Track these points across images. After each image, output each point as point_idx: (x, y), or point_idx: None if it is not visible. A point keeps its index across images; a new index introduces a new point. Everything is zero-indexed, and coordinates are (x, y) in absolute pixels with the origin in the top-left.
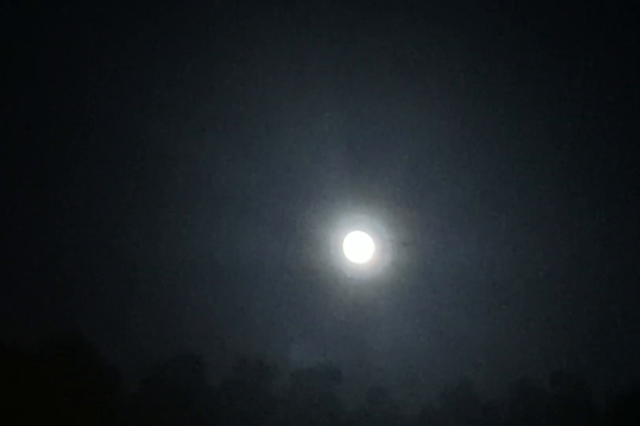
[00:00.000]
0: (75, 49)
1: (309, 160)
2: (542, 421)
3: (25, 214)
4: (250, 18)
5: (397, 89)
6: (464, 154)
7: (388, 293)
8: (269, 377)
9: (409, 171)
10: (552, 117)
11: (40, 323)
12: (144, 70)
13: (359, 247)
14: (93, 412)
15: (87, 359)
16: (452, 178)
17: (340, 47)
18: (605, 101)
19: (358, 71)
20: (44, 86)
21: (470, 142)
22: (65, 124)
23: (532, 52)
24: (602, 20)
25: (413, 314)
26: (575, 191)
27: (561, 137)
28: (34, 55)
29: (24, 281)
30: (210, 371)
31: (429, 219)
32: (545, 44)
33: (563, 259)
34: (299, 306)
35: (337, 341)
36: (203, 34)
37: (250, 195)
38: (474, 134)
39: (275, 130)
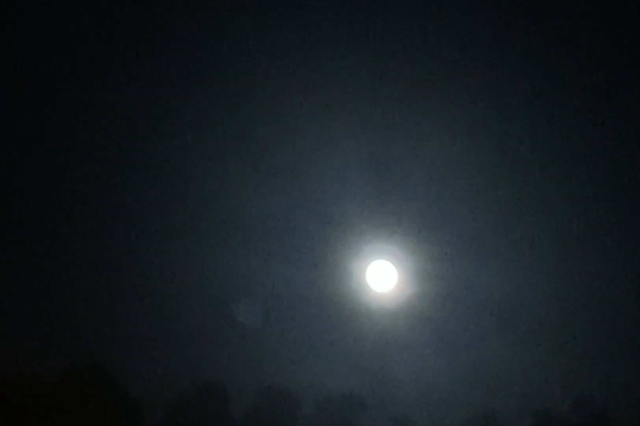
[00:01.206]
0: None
1: (332, 188)
2: None
3: (48, 246)
4: (275, 44)
5: (419, 118)
6: (488, 183)
7: (411, 322)
8: (293, 406)
9: (432, 200)
10: (580, 145)
11: (63, 354)
12: (166, 94)
13: (382, 276)
14: None
15: (109, 390)
16: (476, 207)
17: (364, 74)
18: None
19: (382, 102)
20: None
21: (494, 170)
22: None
23: (552, 68)
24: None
25: (436, 343)
26: (603, 218)
27: (588, 167)
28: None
29: (47, 313)
30: (233, 401)
31: (452, 248)
32: (564, 62)
33: (587, 288)
34: (322, 335)
35: (361, 370)
36: (229, 58)
37: (274, 224)
38: (497, 162)
39: (299, 158)
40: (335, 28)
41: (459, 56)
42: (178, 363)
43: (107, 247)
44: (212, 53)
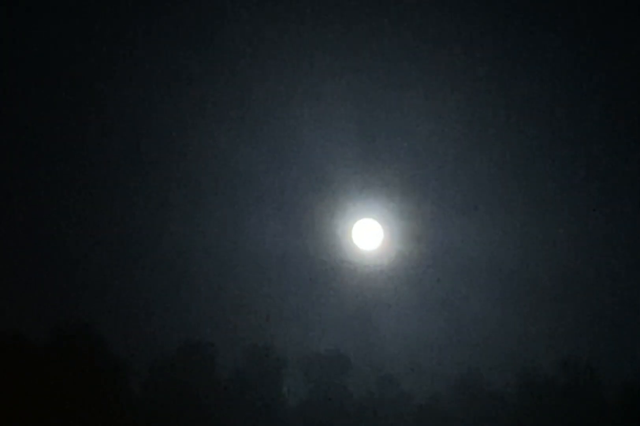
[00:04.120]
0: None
1: (320, 148)
2: (551, 409)
3: (38, 208)
4: (265, 17)
5: (410, 80)
6: (477, 146)
7: (397, 281)
8: (278, 366)
9: (421, 160)
10: (567, 112)
11: (51, 314)
12: (166, 69)
13: (368, 234)
14: (103, 401)
15: (96, 349)
16: (463, 169)
17: (355, 40)
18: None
19: (371, 63)
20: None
21: (484, 135)
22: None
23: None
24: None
25: (421, 302)
26: (583, 184)
27: (573, 134)
28: (42, 53)
29: (34, 274)
30: (219, 360)
31: (438, 208)
32: (562, 48)
33: (575, 247)
34: (307, 293)
35: (346, 329)
36: (223, 34)
37: (259, 183)
38: (488, 126)
39: (286, 119)
40: None
41: (461, 30)
42: (164, 324)
43: (97, 207)
44: (207, 16)
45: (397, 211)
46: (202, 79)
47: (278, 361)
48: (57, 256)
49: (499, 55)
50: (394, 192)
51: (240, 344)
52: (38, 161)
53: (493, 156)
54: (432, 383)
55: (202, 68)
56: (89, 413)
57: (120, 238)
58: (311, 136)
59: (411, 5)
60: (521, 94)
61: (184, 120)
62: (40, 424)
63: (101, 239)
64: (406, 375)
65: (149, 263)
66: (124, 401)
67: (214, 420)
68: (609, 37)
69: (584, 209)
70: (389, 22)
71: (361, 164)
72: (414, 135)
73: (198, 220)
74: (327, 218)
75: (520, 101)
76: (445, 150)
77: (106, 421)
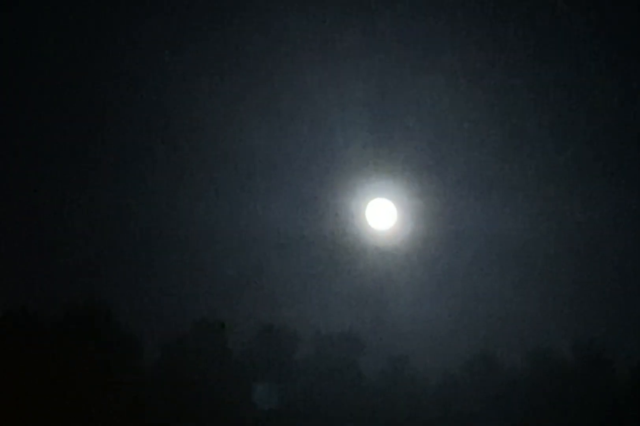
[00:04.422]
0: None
1: (332, 128)
2: (562, 390)
3: (49, 189)
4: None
5: (425, 61)
6: (493, 125)
7: (410, 260)
8: (291, 344)
9: (435, 140)
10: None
11: (63, 291)
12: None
13: (382, 214)
14: (113, 380)
15: (108, 326)
16: (476, 147)
17: (371, 22)
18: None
19: (384, 45)
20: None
21: (501, 113)
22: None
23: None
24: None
25: (435, 282)
26: (601, 163)
27: (588, 119)
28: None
29: (46, 252)
30: (232, 339)
31: (452, 188)
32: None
33: (591, 228)
34: (321, 273)
35: (359, 309)
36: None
37: (273, 164)
38: (505, 106)
39: (299, 99)
40: None
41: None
42: (177, 302)
43: (108, 189)
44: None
45: (411, 190)
46: (219, 64)
47: (291, 341)
48: (70, 233)
49: (515, 44)
50: (408, 172)
51: (254, 323)
52: (47, 147)
53: (509, 135)
54: (445, 364)
55: (217, 54)
56: (99, 391)
57: (135, 218)
58: (325, 117)
59: None
60: (543, 74)
61: (195, 105)
62: (50, 402)
63: (115, 218)
64: (419, 355)
65: (163, 243)
66: (135, 380)
67: (225, 399)
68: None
69: (602, 189)
70: (405, 7)
71: (375, 144)
72: (428, 115)
73: (212, 201)
74: (340, 197)
75: (541, 81)
76: (459, 129)
77: (117, 400)
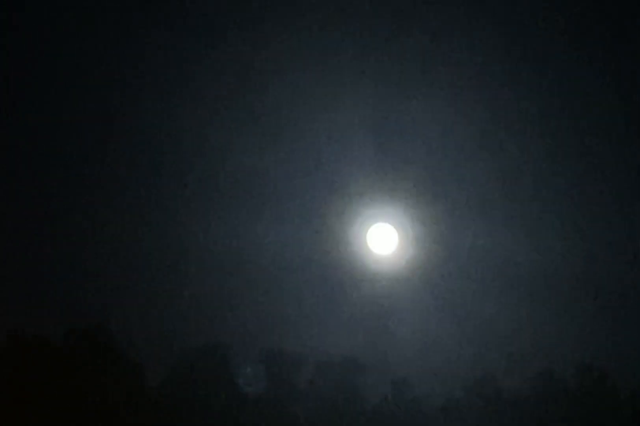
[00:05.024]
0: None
1: (333, 152)
2: (566, 413)
3: (53, 211)
4: (279, 19)
5: (424, 86)
6: (491, 149)
7: (412, 284)
8: (294, 369)
9: (435, 164)
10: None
11: (67, 315)
12: (172, 67)
13: (383, 239)
14: (118, 403)
15: (111, 350)
16: (477, 173)
17: (371, 45)
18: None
19: (385, 69)
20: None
21: (498, 138)
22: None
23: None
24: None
25: (437, 306)
26: (602, 184)
27: (589, 134)
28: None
29: (51, 275)
30: (235, 363)
31: (453, 212)
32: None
33: (593, 250)
34: (323, 297)
35: (361, 333)
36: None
37: (274, 188)
38: (502, 130)
39: (301, 123)
40: None
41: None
42: (180, 326)
43: (113, 215)
44: (219, 6)
45: (412, 215)
46: (215, 81)
47: (293, 365)
48: (72, 257)
49: (514, 61)
50: (409, 196)
51: (256, 347)
52: (52, 165)
53: (508, 158)
54: (447, 387)
55: (215, 70)
56: (101, 415)
57: (138, 242)
58: (325, 141)
59: (428, 11)
60: (534, 98)
61: (198, 123)
62: (56, 423)
63: (119, 242)
64: (421, 379)
65: (166, 268)
66: (138, 404)
67: (229, 421)
68: (611, 36)
69: (603, 210)
70: (404, 27)
71: (375, 168)
72: (427, 139)
73: (213, 225)
74: (341, 222)
75: (534, 104)
76: (459, 154)
77: (121, 422)
